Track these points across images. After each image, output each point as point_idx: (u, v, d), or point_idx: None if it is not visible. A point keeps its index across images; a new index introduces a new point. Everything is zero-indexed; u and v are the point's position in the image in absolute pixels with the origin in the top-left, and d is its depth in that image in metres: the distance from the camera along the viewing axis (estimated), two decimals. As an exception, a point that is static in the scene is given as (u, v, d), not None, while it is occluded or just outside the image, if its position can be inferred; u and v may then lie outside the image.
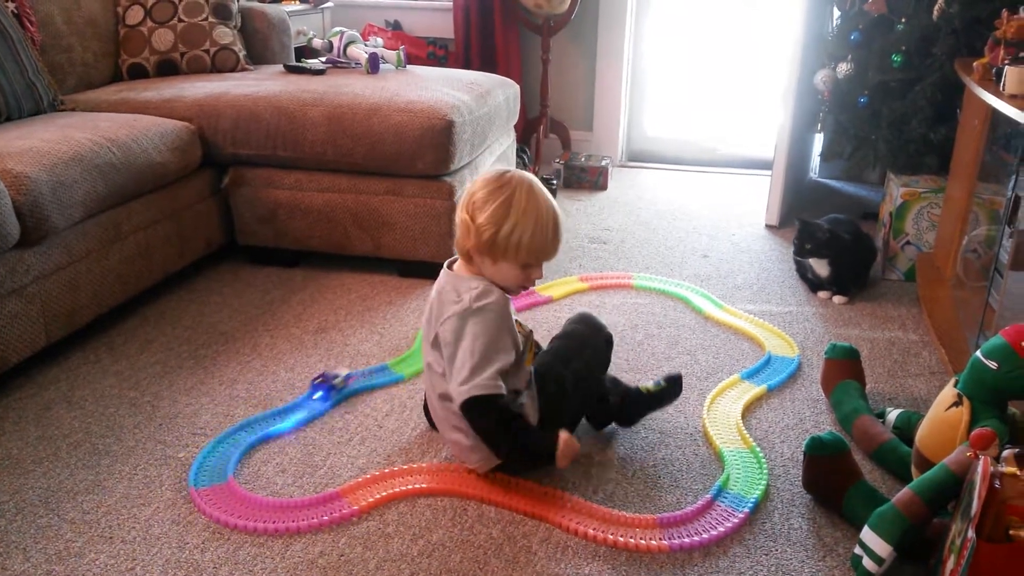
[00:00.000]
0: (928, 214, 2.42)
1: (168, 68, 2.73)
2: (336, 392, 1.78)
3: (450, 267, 1.55)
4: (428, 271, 2.43)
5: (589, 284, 2.39)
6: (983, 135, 2.10)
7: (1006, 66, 1.79)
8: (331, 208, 2.39)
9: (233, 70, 2.79)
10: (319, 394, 1.76)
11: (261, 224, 2.46)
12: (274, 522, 1.40)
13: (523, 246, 1.41)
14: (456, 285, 1.47)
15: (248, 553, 1.34)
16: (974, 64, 2.02)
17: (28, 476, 1.52)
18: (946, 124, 2.48)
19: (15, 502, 1.45)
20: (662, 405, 1.70)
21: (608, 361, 1.69)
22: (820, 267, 2.32)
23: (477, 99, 2.50)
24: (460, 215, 1.44)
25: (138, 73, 2.72)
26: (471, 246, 1.43)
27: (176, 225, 2.27)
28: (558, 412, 1.53)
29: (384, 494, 1.47)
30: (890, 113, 2.57)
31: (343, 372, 1.81)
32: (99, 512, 1.43)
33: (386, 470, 1.54)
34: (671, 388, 1.69)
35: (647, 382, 1.69)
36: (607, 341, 1.67)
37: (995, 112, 1.87)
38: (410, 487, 1.49)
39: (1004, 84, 1.79)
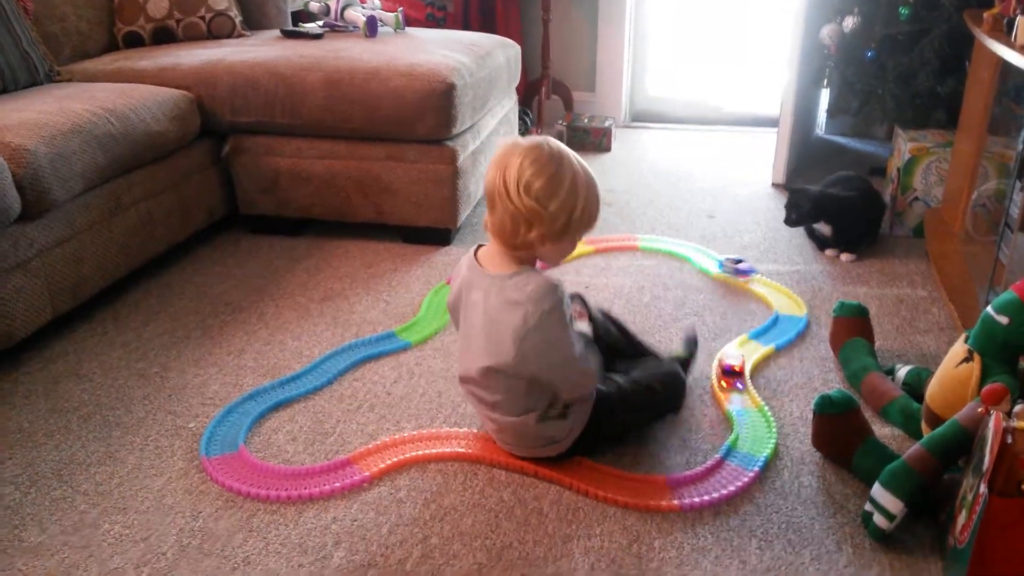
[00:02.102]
0: (936, 169, 2.40)
1: (164, 36, 2.69)
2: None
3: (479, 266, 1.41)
4: (432, 237, 2.42)
5: (594, 247, 2.37)
6: (993, 87, 2.07)
7: (1018, 16, 1.76)
8: (332, 175, 2.37)
9: (229, 36, 2.75)
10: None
11: (263, 193, 2.44)
12: (286, 489, 1.40)
13: (588, 220, 1.34)
14: (504, 286, 1.34)
15: (262, 520, 1.35)
16: (984, 15, 1.98)
17: (40, 449, 1.53)
18: (954, 77, 2.44)
19: (28, 475, 1.46)
20: (689, 367, 1.71)
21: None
22: (822, 226, 2.31)
23: (478, 61, 2.46)
24: (521, 204, 1.28)
25: (134, 41, 2.68)
26: (537, 235, 1.30)
27: (177, 196, 2.25)
28: (600, 439, 1.50)
29: (395, 460, 1.48)
30: (897, 67, 2.53)
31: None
32: (112, 483, 1.43)
33: (396, 436, 1.55)
34: (695, 347, 1.74)
35: (677, 348, 1.73)
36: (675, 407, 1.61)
37: (1005, 63, 1.84)
38: (421, 452, 1.50)
39: (1015, 35, 1.75)
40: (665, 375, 1.56)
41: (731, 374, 1.69)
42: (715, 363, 1.73)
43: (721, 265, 2.20)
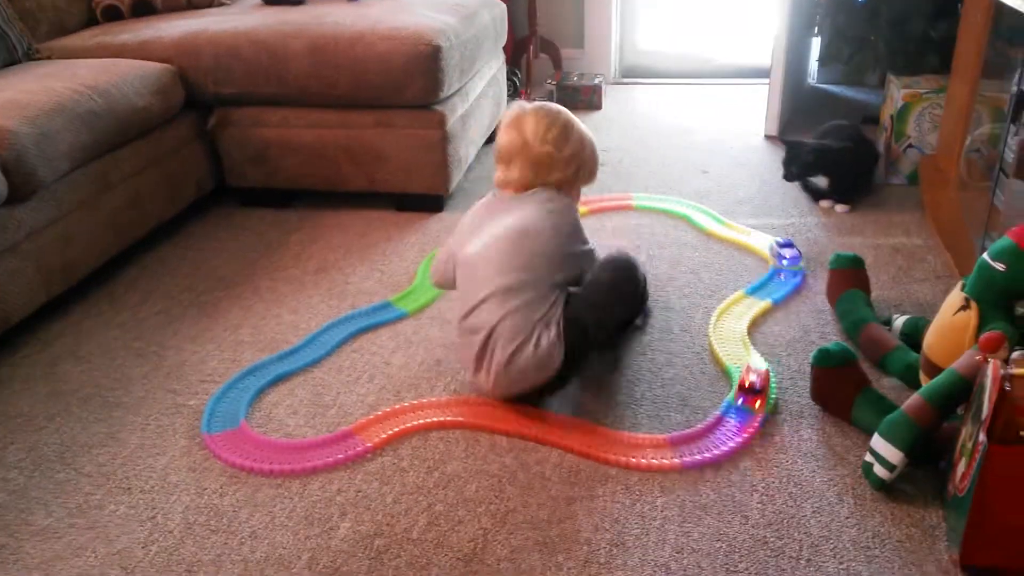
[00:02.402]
0: (930, 115, 2.37)
1: (143, 8, 2.64)
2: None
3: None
4: (425, 204, 2.40)
5: (588, 208, 2.35)
6: (986, 29, 2.04)
7: (1010, -45, 1.72)
8: (322, 144, 2.35)
9: (210, 6, 2.70)
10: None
11: (251, 165, 2.42)
12: (290, 463, 1.41)
13: (591, 170, 1.60)
14: (541, 199, 1.53)
15: (266, 495, 1.35)
16: (976, -45, 1.95)
17: (42, 432, 1.53)
18: (947, 20, 2.41)
19: (31, 458, 1.46)
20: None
21: (642, 299, 1.75)
22: (819, 178, 2.29)
23: (463, 21, 2.42)
24: (541, 150, 1.52)
25: (113, 15, 2.63)
26: (555, 180, 1.54)
27: (165, 171, 2.23)
28: (581, 356, 1.52)
29: (396, 429, 1.48)
30: (889, 12, 2.50)
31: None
32: (115, 464, 1.44)
33: (397, 406, 1.55)
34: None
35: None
36: (640, 286, 1.69)
37: (998, 4, 1.81)
38: (422, 421, 1.50)
39: (1008, -26, 1.72)
40: (615, 263, 1.60)
41: (752, 392, 1.50)
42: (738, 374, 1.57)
43: (769, 248, 2.05)
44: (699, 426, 1.45)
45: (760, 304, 1.82)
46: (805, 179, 2.37)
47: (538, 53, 3.55)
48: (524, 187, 1.54)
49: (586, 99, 3.35)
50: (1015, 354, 1.17)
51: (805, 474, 1.35)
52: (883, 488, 1.29)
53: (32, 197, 1.78)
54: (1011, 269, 1.33)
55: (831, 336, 1.71)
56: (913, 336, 1.61)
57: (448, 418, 1.51)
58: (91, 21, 2.63)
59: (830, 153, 2.25)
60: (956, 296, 1.42)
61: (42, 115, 1.80)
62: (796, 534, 1.23)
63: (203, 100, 2.36)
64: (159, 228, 2.25)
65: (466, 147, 2.48)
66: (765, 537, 1.23)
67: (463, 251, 1.54)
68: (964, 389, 1.24)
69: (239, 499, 1.35)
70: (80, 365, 1.73)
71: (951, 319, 1.40)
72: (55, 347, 1.80)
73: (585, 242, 1.58)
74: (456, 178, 2.42)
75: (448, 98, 2.33)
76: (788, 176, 2.33)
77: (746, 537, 1.23)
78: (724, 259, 2.05)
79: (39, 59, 2.28)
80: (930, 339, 1.44)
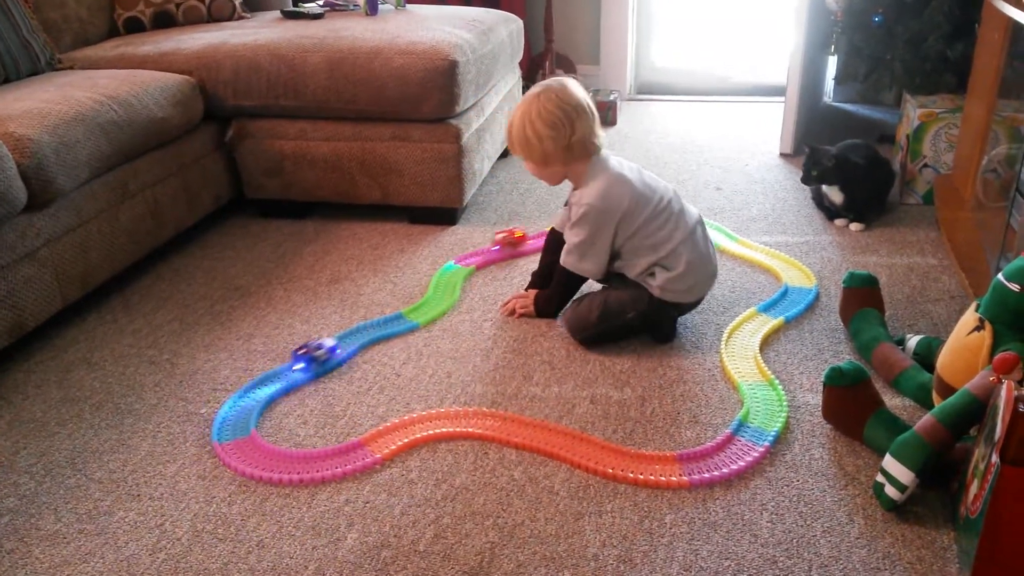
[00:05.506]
0: (946, 135, 2.37)
1: (164, 20, 2.68)
2: (318, 364, 1.70)
3: None
4: (438, 217, 2.41)
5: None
6: (1003, 49, 2.03)
7: (1028, -24, 1.72)
8: (337, 157, 2.36)
9: (230, 19, 2.73)
10: (300, 365, 1.69)
11: (268, 176, 2.44)
12: (299, 473, 1.41)
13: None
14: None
15: (275, 504, 1.36)
16: (994, -25, 1.94)
17: (54, 438, 1.54)
18: (964, 40, 2.40)
19: (43, 464, 1.47)
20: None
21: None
22: (834, 194, 2.28)
23: (480, 37, 2.44)
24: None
25: (134, 27, 2.67)
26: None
27: (183, 181, 2.25)
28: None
29: (405, 441, 1.48)
30: (906, 31, 2.49)
31: (327, 343, 1.73)
32: (125, 471, 1.45)
33: (406, 417, 1.55)
34: None
35: None
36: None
37: (1016, 24, 1.80)
38: (431, 433, 1.50)
39: (1026, -5, 1.71)
40: (631, 298, 1.77)
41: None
42: None
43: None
44: (709, 444, 1.44)
45: (772, 322, 1.81)
46: (816, 194, 2.36)
47: (554, 69, 3.57)
48: None
49: (601, 115, 3.35)
50: (1029, 375, 1.16)
51: (815, 493, 1.33)
52: (894, 509, 1.28)
53: (51, 205, 1.81)
54: (1026, 290, 1.31)
55: (844, 355, 1.70)
56: (926, 356, 1.60)
57: (457, 430, 1.51)
58: (113, 32, 2.67)
59: (850, 165, 2.23)
60: (970, 316, 1.41)
61: (62, 124, 1.82)
62: (806, 554, 1.22)
63: (222, 112, 2.38)
64: (176, 237, 2.27)
65: (480, 161, 2.49)
66: (774, 556, 1.22)
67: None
68: (977, 410, 1.23)
69: (247, 508, 1.35)
70: (93, 372, 1.75)
71: (965, 339, 1.39)
72: (69, 353, 1.82)
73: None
74: (470, 192, 2.43)
75: (464, 112, 2.35)
76: (806, 179, 2.30)
77: (755, 556, 1.22)
78: (736, 276, 2.05)
79: (61, 69, 2.31)
80: (944, 359, 1.43)
